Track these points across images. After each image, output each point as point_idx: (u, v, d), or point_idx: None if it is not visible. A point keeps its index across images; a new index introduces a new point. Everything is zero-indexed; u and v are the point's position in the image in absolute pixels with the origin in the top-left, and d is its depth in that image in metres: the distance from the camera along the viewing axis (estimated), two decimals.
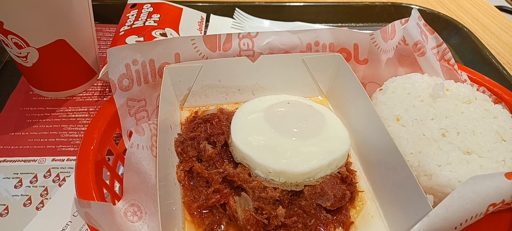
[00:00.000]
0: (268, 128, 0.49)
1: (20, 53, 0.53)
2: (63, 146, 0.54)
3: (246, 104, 0.55)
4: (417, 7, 0.82)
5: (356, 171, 0.49)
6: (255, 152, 0.46)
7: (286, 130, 0.49)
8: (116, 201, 0.43)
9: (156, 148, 0.43)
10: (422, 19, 0.57)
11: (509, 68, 0.73)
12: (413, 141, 0.45)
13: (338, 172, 0.46)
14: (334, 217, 0.43)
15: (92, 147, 0.43)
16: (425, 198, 0.37)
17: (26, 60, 0.54)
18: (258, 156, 0.45)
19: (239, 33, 0.57)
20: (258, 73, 0.58)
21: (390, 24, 0.57)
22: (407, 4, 0.83)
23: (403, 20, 0.58)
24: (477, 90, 0.54)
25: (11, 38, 0.51)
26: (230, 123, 0.52)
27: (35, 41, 0.52)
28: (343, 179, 0.45)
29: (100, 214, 0.34)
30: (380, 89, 0.54)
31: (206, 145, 0.49)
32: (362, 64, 0.59)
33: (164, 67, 0.52)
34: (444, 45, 0.57)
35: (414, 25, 0.55)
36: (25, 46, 0.52)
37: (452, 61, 0.57)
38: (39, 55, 0.53)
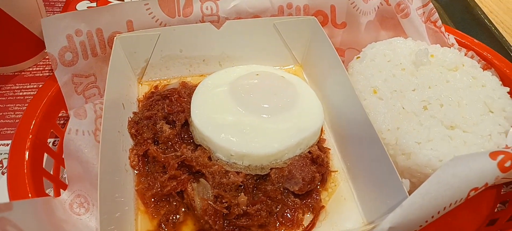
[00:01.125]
0: (234, 103, 0.44)
1: None
2: (8, 128, 0.49)
3: (209, 77, 0.49)
4: None
5: (329, 149, 0.45)
6: (216, 132, 0.41)
7: (253, 106, 0.44)
8: (62, 191, 0.38)
9: (100, 131, 0.38)
10: None
11: (502, 28, 0.67)
12: (391, 115, 0.41)
13: (309, 152, 0.42)
14: (303, 202, 0.39)
15: (29, 132, 0.38)
16: (400, 183, 0.33)
17: None
18: (219, 137, 0.40)
19: None
20: (225, 41, 0.52)
21: None
22: None
23: None
24: (465, 55, 0.49)
25: None
26: (191, 98, 0.47)
27: None
28: (314, 160, 0.41)
29: (26, 217, 0.30)
30: (358, 57, 0.48)
31: (164, 124, 0.44)
32: (340, 28, 0.53)
33: (115, 37, 0.46)
34: (431, 5, 0.51)
35: None
36: None
37: (439, 22, 0.51)
38: None
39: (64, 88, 0.42)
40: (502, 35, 0.59)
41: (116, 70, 0.44)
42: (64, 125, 0.44)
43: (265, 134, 0.41)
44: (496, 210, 0.42)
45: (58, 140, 0.43)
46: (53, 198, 0.36)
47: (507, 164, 0.30)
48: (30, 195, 0.34)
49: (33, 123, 0.39)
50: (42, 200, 0.34)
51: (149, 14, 0.48)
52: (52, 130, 0.42)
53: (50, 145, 0.44)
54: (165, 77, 0.52)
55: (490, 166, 0.31)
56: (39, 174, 0.37)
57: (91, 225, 0.37)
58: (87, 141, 0.38)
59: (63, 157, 0.39)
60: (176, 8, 0.49)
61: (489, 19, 0.64)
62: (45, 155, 0.40)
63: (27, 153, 0.37)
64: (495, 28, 0.60)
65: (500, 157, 0.31)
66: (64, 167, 0.42)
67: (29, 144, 0.38)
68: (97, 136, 0.40)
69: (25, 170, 0.35)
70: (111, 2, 0.56)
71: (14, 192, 0.34)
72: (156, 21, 0.49)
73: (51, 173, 0.40)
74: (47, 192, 0.38)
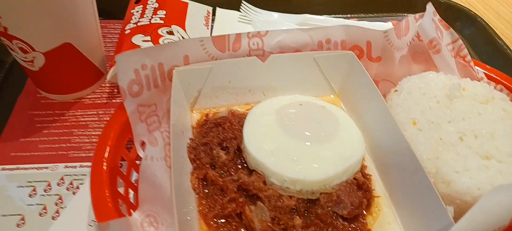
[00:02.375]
0: (281, 131, 0.49)
1: (26, 57, 0.52)
2: (74, 152, 0.53)
3: (257, 106, 0.54)
4: None
5: (371, 175, 0.49)
6: (269, 159, 0.45)
7: (299, 134, 0.48)
8: (132, 211, 0.43)
9: (170, 157, 0.43)
10: (437, 14, 0.55)
11: None
12: (431, 146, 0.45)
13: (354, 178, 0.46)
14: (351, 225, 0.43)
15: (105, 158, 0.43)
16: (445, 209, 0.37)
17: (32, 64, 0.53)
18: (273, 163, 0.44)
19: (249, 33, 0.55)
20: (269, 73, 0.56)
21: (404, 20, 0.55)
22: None
23: (417, 15, 0.56)
24: (494, 88, 0.53)
25: (16, 43, 0.50)
26: (241, 126, 0.51)
27: (40, 46, 0.51)
28: (359, 186, 0.45)
29: None
30: (395, 91, 0.52)
31: (219, 151, 0.48)
32: (375, 61, 0.57)
33: (173, 70, 0.51)
34: (460, 42, 0.55)
35: (429, 22, 0.54)
36: (31, 51, 0.51)
37: (468, 57, 0.56)
38: (45, 60, 0.52)
39: (131, 117, 0.47)
40: None
41: (176, 101, 0.49)
42: (130, 150, 0.48)
43: (313, 161, 0.45)
44: None
45: (126, 164, 0.48)
46: (130, 217, 0.40)
47: None
48: (112, 215, 0.38)
49: (108, 149, 0.44)
50: (126, 219, 0.38)
51: (203, 49, 0.53)
52: (121, 155, 0.46)
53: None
54: (214, 106, 0.57)
55: None
56: (115, 196, 0.42)
57: None
58: (159, 167, 0.43)
59: (134, 180, 0.43)
60: (227, 44, 0.54)
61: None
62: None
63: (105, 177, 0.41)
64: None
65: None
66: (132, 189, 0.47)
67: (106, 168, 0.42)
68: (167, 161, 0.44)
69: (107, 193, 0.40)
70: (162, 35, 0.62)
71: (100, 213, 0.38)
72: (208, 55, 0.54)
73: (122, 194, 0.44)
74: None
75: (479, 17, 0.74)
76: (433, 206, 0.38)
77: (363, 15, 0.79)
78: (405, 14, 0.80)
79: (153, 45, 0.60)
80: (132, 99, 0.47)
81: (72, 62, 0.55)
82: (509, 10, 0.83)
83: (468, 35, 0.74)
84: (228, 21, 0.75)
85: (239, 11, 0.77)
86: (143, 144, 0.46)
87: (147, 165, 0.41)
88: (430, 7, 0.54)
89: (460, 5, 0.77)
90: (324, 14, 0.78)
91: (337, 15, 0.78)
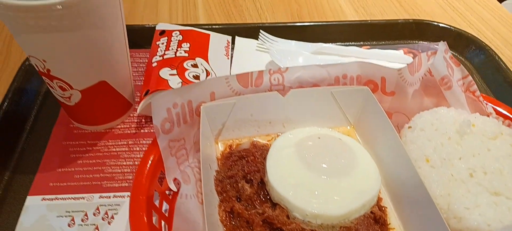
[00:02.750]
0: (301, 165, 0.52)
1: (64, 94, 0.56)
2: (107, 182, 0.57)
3: (278, 140, 0.57)
4: (438, 23, 0.83)
5: (386, 207, 0.52)
6: (291, 194, 0.48)
7: (318, 167, 0.52)
8: None
9: (202, 193, 0.47)
10: (449, 51, 0.59)
11: None
12: (443, 182, 0.48)
13: (371, 212, 0.49)
14: None
15: (142, 193, 0.47)
16: None
17: (69, 100, 0.57)
18: (294, 198, 0.48)
19: (270, 69, 0.59)
20: (289, 107, 0.60)
21: (416, 57, 0.59)
22: (428, 21, 0.83)
23: (429, 52, 0.59)
24: (503, 123, 0.56)
25: (57, 82, 0.54)
26: (264, 158, 0.55)
27: (78, 85, 0.55)
28: (376, 219, 0.48)
29: None
30: (409, 127, 0.56)
31: (244, 184, 0.52)
32: (389, 96, 0.61)
33: (201, 107, 0.55)
34: (470, 77, 0.58)
35: (440, 60, 0.57)
36: (69, 89, 0.55)
37: (478, 92, 0.59)
38: (81, 96, 0.56)
39: (163, 152, 0.51)
40: None
41: (204, 134, 0.53)
42: (162, 183, 0.52)
43: (333, 195, 0.49)
44: None
45: (158, 196, 0.51)
46: None
47: None
48: None
49: (144, 184, 0.48)
50: None
51: (228, 86, 0.57)
52: (155, 189, 0.50)
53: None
54: (237, 137, 0.60)
55: None
56: (152, 228, 0.45)
57: None
58: (193, 204, 0.46)
59: (164, 210, 0.47)
60: (250, 80, 0.58)
61: None
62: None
63: (143, 211, 0.45)
64: None
65: None
66: (163, 220, 0.50)
67: (143, 203, 0.46)
68: (198, 197, 0.48)
69: (145, 226, 0.44)
70: (187, 69, 0.65)
71: None
72: (232, 91, 0.57)
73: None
74: None
75: (488, 46, 0.77)
76: None
77: (375, 43, 0.82)
78: (416, 41, 0.83)
79: (179, 78, 0.64)
80: (164, 136, 0.51)
81: (105, 97, 0.59)
82: None
83: (477, 64, 0.77)
84: (246, 49, 0.79)
85: (257, 39, 0.80)
86: (175, 179, 0.50)
87: (182, 202, 0.45)
88: (442, 45, 0.57)
89: (469, 34, 0.80)
90: (338, 42, 0.82)
91: (350, 43, 0.81)
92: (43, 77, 0.55)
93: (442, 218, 0.43)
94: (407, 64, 0.58)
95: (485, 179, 0.48)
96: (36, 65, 0.52)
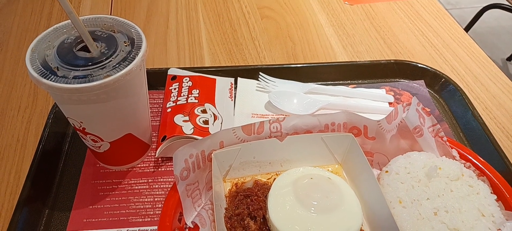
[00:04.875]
0: (296, 203, 0.63)
1: (95, 145, 0.66)
2: (132, 217, 0.67)
3: (277, 180, 0.68)
4: (416, 63, 0.93)
5: None
6: (289, 230, 0.59)
7: (311, 205, 0.62)
8: None
9: None
10: (421, 104, 0.69)
11: (495, 122, 0.85)
12: (412, 221, 0.59)
13: None
14: None
15: None
16: None
17: (99, 149, 0.67)
18: None
19: (270, 120, 0.69)
20: (286, 150, 0.71)
21: (393, 109, 0.69)
22: (408, 61, 0.94)
23: (405, 104, 0.70)
24: (464, 166, 0.67)
25: (90, 137, 0.64)
26: (265, 197, 0.65)
27: (108, 138, 0.65)
28: None
29: None
30: (386, 171, 0.66)
31: (249, 221, 0.63)
32: (370, 139, 0.71)
33: (212, 154, 0.65)
34: (438, 126, 0.69)
35: (413, 112, 0.68)
36: (100, 141, 0.65)
37: (445, 138, 0.70)
38: (110, 146, 0.66)
39: (182, 196, 0.61)
40: (494, 138, 0.77)
41: (215, 176, 0.63)
42: (180, 220, 0.63)
43: (323, 230, 0.60)
44: None
45: None
46: None
47: None
48: None
49: (167, 225, 0.58)
50: None
51: (234, 135, 0.67)
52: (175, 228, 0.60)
53: None
54: (241, 176, 0.71)
55: None
56: None
57: None
58: None
59: None
60: (252, 129, 0.68)
61: (483, 120, 0.81)
62: None
63: None
64: (489, 132, 0.78)
65: None
66: None
67: None
68: None
69: None
70: (198, 115, 0.75)
71: None
72: (238, 139, 0.68)
73: None
74: None
75: (459, 86, 0.87)
76: None
77: (361, 81, 0.93)
78: (397, 80, 0.94)
79: (191, 124, 0.74)
80: (182, 182, 0.61)
81: (130, 145, 0.69)
82: (485, 73, 0.97)
83: (449, 102, 0.87)
84: (247, 90, 0.89)
85: (257, 79, 0.90)
86: (193, 222, 0.60)
87: None
88: (414, 100, 0.68)
89: (444, 74, 0.90)
90: (328, 80, 0.92)
91: (338, 82, 0.92)
92: (78, 132, 0.64)
93: None
94: (385, 117, 0.68)
95: (446, 217, 0.59)
96: (73, 124, 0.62)
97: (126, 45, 0.59)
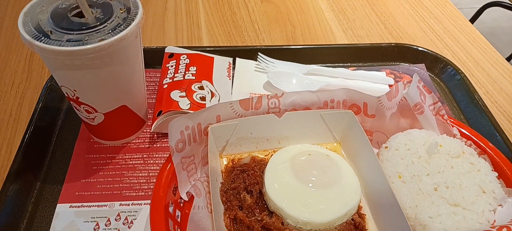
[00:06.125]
0: (294, 178, 0.61)
1: (88, 116, 0.64)
2: (126, 191, 0.66)
3: (275, 156, 0.66)
4: (417, 47, 0.92)
5: (365, 214, 0.61)
6: (285, 204, 0.58)
7: (309, 180, 0.61)
8: None
9: (211, 204, 0.56)
10: (422, 82, 0.68)
11: (496, 106, 0.84)
12: (412, 196, 0.57)
13: (352, 219, 0.58)
14: None
15: (160, 203, 0.56)
16: None
17: (92, 121, 0.65)
18: (288, 208, 0.57)
19: (268, 95, 0.68)
20: (284, 126, 0.69)
21: (394, 86, 0.68)
22: (408, 44, 0.93)
23: (405, 81, 0.69)
24: (465, 144, 0.66)
25: (83, 107, 0.62)
26: (262, 172, 0.64)
27: (102, 109, 0.63)
28: (356, 226, 0.58)
29: None
30: (386, 147, 0.65)
31: (245, 195, 0.61)
32: (370, 117, 0.70)
33: (209, 128, 0.64)
34: (439, 104, 0.68)
35: (414, 89, 0.66)
36: (94, 112, 0.63)
37: (445, 116, 0.68)
38: (104, 118, 0.65)
39: (177, 168, 0.60)
40: (495, 119, 0.76)
41: (211, 151, 0.62)
42: (175, 193, 0.61)
43: (320, 205, 0.58)
44: None
45: (172, 206, 0.60)
46: None
47: None
48: None
49: (161, 195, 0.57)
50: None
51: (231, 109, 0.66)
52: (170, 200, 0.59)
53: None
54: (238, 152, 0.69)
55: None
56: None
57: None
58: (204, 213, 0.55)
59: (181, 221, 0.56)
60: (250, 104, 0.67)
61: (484, 102, 0.80)
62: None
63: (161, 218, 0.54)
64: (491, 113, 0.77)
65: None
66: (178, 226, 0.59)
67: (161, 211, 0.55)
68: (208, 208, 0.57)
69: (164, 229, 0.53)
70: (195, 91, 0.74)
71: None
72: (235, 114, 0.66)
73: None
74: None
75: (460, 70, 0.86)
76: None
77: (361, 64, 0.91)
78: (397, 63, 0.93)
79: (188, 99, 0.72)
80: (178, 154, 0.60)
81: (124, 118, 0.67)
82: (486, 59, 0.96)
83: (450, 85, 0.86)
84: (246, 70, 0.87)
85: (256, 60, 0.89)
86: (188, 193, 0.59)
87: (195, 213, 0.54)
88: (415, 76, 0.67)
89: (445, 58, 0.89)
90: (328, 63, 0.91)
91: (338, 64, 0.91)
92: (71, 102, 0.63)
93: (409, 225, 0.52)
94: (386, 93, 0.67)
95: (446, 193, 0.58)
96: (66, 93, 0.61)
97: (122, 12, 0.58)
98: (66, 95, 0.62)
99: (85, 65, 0.54)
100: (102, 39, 0.53)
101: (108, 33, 0.54)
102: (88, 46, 0.51)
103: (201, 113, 0.62)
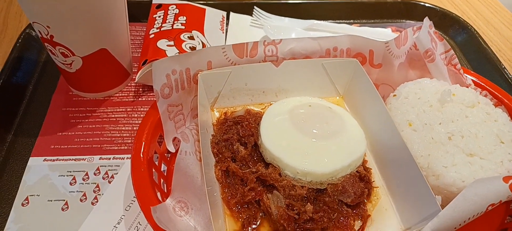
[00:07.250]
0: (293, 129, 0.55)
1: (65, 61, 0.58)
2: (107, 145, 0.60)
3: (272, 107, 0.60)
4: (424, 3, 0.86)
5: (371, 168, 0.56)
6: (284, 154, 0.52)
7: (309, 131, 0.55)
8: (164, 198, 0.49)
9: (200, 152, 0.50)
10: (433, 27, 0.62)
11: (509, 65, 0.78)
12: (423, 144, 0.52)
13: (357, 171, 0.53)
14: (354, 211, 0.50)
15: (143, 152, 0.50)
16: (434, 198, 0.44)
17: (70, 67, 0.59)
18: (287, 158, 0.51)
19: (265, 41, 0.61)
20: (281, 77, 0.63)
21: (403, 32, 0.62)
22: (415, 1, 0.87)
23: (415, 27, 0.63)
24: (480, 94, 0.60)
25: (59, 49, 0.56)
26: (258, 124, 0.58)
27: (80, 51, 0.57)
28: (361, 178, 0.52)
29: (163, 215, 0.41)
30: (394, 95, 0.59)
31: (239, 146, 0.55)
32: (376, 68, 0.64)
33: (198, 75, 0.58)
34: (452, 51, 0.62)
35: (425, 34, 0.60)
36: (71, 55, 0.57)
37: (458, 66, 0.62)
38: (82, 63, 0.58)
39: (162, 116, 0.53)
40: (510, 73, 0.70)
41: (201, 102, 0.56)
42: (161, 144, 0.55)
43: (322, 156, 0.52)
44: (506, 221, 0.53)
45: (158, 157, 0.54)
46: (165, 203, 0.47)
47: None
48: (153, 202, 0.45)
49: (143, 144, 0.51)
50: (164, 204, 0.45)
51: (224, 55, 0.59)
52: (154, 149, 0.53)
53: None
54: (232, 105, 0.63)
55: (503, 188, 0.42)
56: (153, 185, 0.48)
57: (190, 225, 0.48)
58: (191, 160, 0.49)
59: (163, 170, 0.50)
60: (245, 50, 0.60)
61: (497, 57, 0.75)
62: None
63: (144, 169, 0.48)
64: (504, 67, 0.71)
65: (511, 181, 0.42)
66: (164, 179, 0.53)
67: (144, 161, 0.49)
68: (197, 155, 0.51)
69: (147, 182, 0.47)
70: (184, 40, 0.68)
71: (143, 200, 0.45)
72: (228, 61, 0.60)
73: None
74: None
75: (470, 25, 0.80)
76: (424, 195, 0.45)
77: (365, 21, 0.85)
78: (403, 20, 0.87)
79: (176, 48, 0.66)
80: (164, 100, 0.54)
81: (105, 65, 0.61)
82: (497, 17, 0.90)
83: (460, 42, 0.81)
84: (241, 25, 0.81)
85: (252, 15, 0.83)
86: (174, 139, 0.52)
87: (181, 158, 0.48)
88: (426, 20, 0.61)
89: (454, 14, 0.83)
90: (330, 19, 0.84)
91: (341, 21, 0.84)
92: (46, 44, 0.56)
93: (422, 174, 0.46)
94: (394, 38, 0.61)
95: (462, 142, 0.52)
96: (39, 31, 0.54)
97: None
98: (40, 36, 0.55)
99: None
100: None
101: None
102: None
103: (190, 57, 0.56)
